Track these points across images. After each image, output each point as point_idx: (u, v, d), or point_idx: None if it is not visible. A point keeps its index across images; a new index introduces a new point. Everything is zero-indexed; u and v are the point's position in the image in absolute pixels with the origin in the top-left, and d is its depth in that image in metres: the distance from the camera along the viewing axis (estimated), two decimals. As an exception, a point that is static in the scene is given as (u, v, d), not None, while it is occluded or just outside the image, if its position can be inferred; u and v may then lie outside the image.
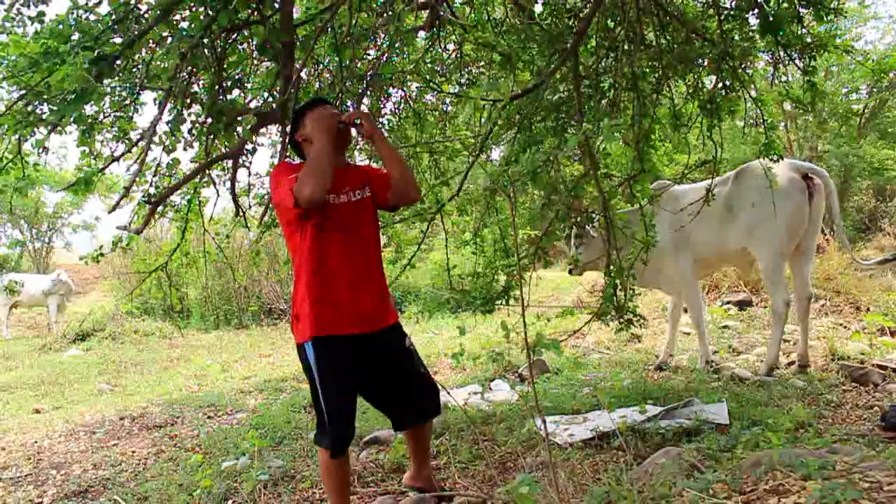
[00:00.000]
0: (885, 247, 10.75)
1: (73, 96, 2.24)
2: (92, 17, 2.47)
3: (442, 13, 3.69)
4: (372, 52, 4.14)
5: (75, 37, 2.32)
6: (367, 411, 4.58)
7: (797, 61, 3.40)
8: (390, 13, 3.17)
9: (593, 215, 3.54)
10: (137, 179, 2.96)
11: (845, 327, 5.58)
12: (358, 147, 4.52)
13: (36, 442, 4.53)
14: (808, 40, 3.32)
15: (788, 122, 12.23)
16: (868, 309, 5.98)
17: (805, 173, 4.32)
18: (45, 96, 2.37)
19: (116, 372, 7.57)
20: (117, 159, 3.04)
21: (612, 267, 3.18)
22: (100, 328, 10.30)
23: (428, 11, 3.74)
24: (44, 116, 2.46)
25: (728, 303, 7.04)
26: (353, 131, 2.60)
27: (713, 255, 4.77)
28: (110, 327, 10.24)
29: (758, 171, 4.35)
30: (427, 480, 2.76)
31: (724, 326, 6.25)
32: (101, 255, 3.67)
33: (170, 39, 2.60)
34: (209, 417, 5.02)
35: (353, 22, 3.37)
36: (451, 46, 4.53)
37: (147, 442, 4.40)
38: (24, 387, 6.87)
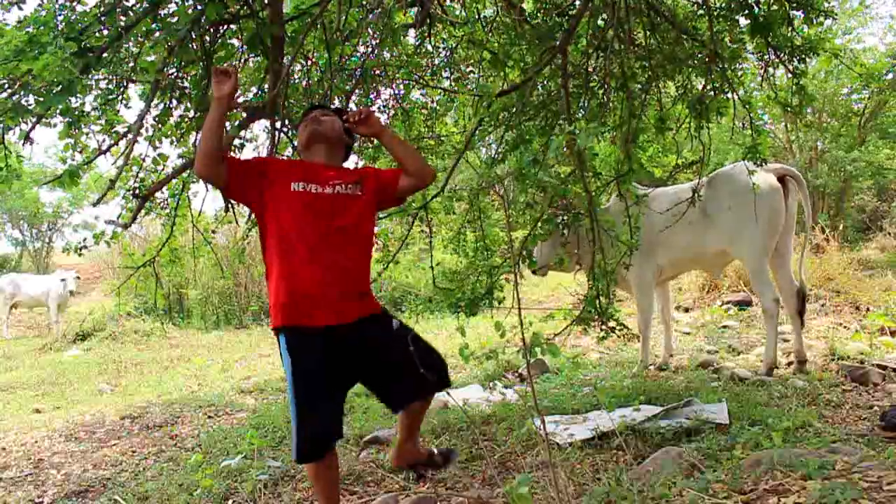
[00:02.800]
0: (886, 247, 10.75)
1: (58, 87, 2.21)
2: (78, 8, 2.45)
3: (432, 10, 3.69)
4: (361, 48, 4.14)
5: (61, 27, 2.29)
6: (367, 411, 4.58)
7: (787, 63, 3.42)
8: (379, 10, 3.16)
9: (579, 215, 3.53)
10: (124, 174, 2.96)
11: (845, 327, 5.58)
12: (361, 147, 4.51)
13: (36, 442, 4.53)
14: (798, 43, 3.33)
15: (788, 124, 12.22)
16: (868, 309, 5.98)
17: (780, 175, 4.42)
18: (31, 87, 2.33)
19: (116, 372, 7.57)
20: (104, 152, 3.02)
21: (596, 270, 3.16)
22: (100, 328, 10.30)
23: (418, 8, 3.74)
24: (29, 107, 2.43)
25: (728, 303, 7.05)
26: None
27: (687, 257, 4.83)
28: (110, 327, 10.24)
29: (731, 174, 4.48)
30: (411, 454, 2.60)
31: (724, 326, 6.26)
32: (85, 247, 3.64)
33: (157, 33, 2.57)
34: (209, 417, 5.02)
35: (343, 18, 3.37)
36: (441, 44, 4.54)
37: (147, 442, 4.40)
38: (24, 387, 6.87)
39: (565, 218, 3.66)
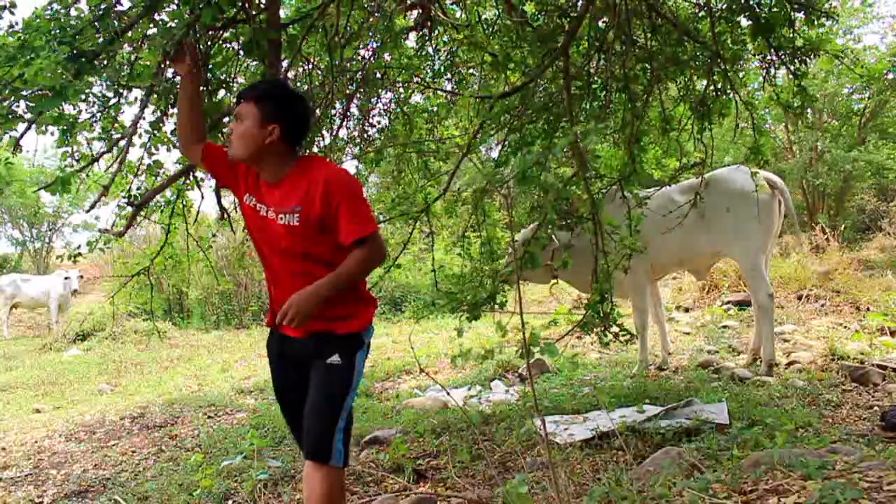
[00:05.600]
0: (886, 247, 10.75)
1: (50, 92, 2.18)
2: (72, 13, 2.43)
3: (433, 13, 3.69)
4: (363, 52, 4.15)
5: (55, 32, 2.27)
6: (367, 411, 4.58)
7: (788, 65, 3.42)
8: (380, 13, 3.16)
9: (583, 218, 3.52)
10: (118, 179, 2.94)
11: (845, 327, 5.58)
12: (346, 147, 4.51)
13: (36, 442, 4.53)
14: (799, 44, 3.34)
15: (789, 124, 12.21)
16: (868, 309, 5.98)
17: (768, 182, 4.52)
18: (23, 92, 2.29)
19: (116, 372, 7.57)
20: (97, 159, 3.00)
21: (599, 273, 3.13)
22: (100, 328, 10.29)
23: (418, 11, 3.73)
24: (21, 113, 2.39)
25: (728, 303, 7.05)
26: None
27: (677, 258, 4.86)
28: (110, 327, 10.23)
29: (728, 176, 4.57)
30: None
31: (724, 326, 6.25)
32: (79, 254, 3.66)
33: (153, 36, 2.55)
34: (209, 417, 5.02)
35: (345, 22, 3.36)
36: (442, 47, 4.54)
37: (147, 442, 4.40)
38: (24, 387, 6.87)
39: (568, 223, 3.66)
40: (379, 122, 4.71)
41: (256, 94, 2.06)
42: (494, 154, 5.52)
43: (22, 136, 2.53)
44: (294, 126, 2.08)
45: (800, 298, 6.65)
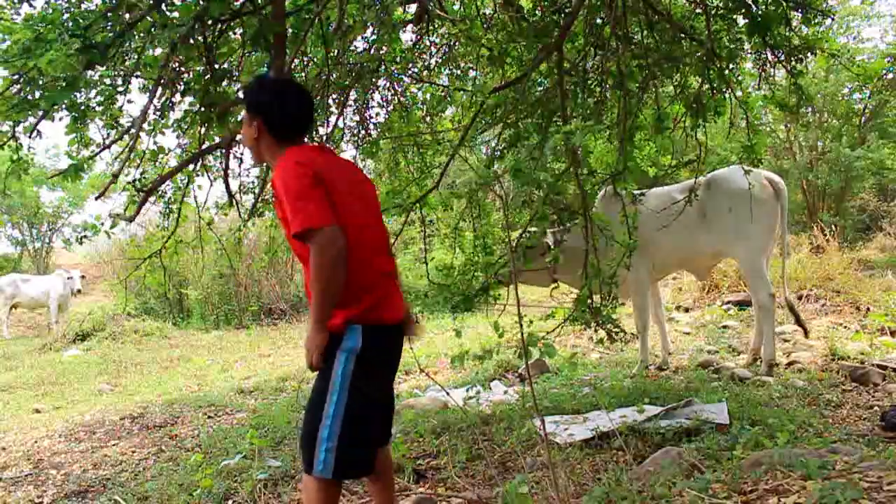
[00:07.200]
0: (886, 247, 10.75)
1: (63, 84, 2.23)
2: (84, 6, 2.48)
3: (430, 8, 3.69)
4: (360, 45, 4.16)
5: (67, 24, 2.32)
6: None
7: (784, 63, 3.42)
8: (378, 6, 3.16)
9: (574, 214, 3.52)
10: (126, 167, 2.99)
11: (845, 327, 5.58)
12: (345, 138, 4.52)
13: (36, 442, 4.53)
14: (796, 43, 3.34)
15: (789, 124, 12.21)
16: (868, 309, 5.98)
17: (770, 181, 4.53)
18: (38, 83, 2.33)
19: (116, 372, 7.57)
20: (107, 147, 3.05)
21: (588, 269, 3.12)
22: (100, 328, 10.29)
23: (416, 5, 3.74)
24: (36, 103, 2.44)
25: (728, 303, 7.05)
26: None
27: (678, 258, 4.86)
28: (110, 327, 10.22)
29: (730, 177, 4.58)
30: None
31: (724, 326, 6.25)
32: (86, 236, 3.68)
33: (161, 29, 2.58)
34: (209, 417, 5.02)
35: (342, 14, 3.37)
36: (439, 41, 4.55)
37: (147, 442, 4.40)
38: (24, 387, 6.87)
39: (561, 219, 3.65)
40: (377, 115, 4.72)
41: (242, 97, 2.10)
42: (491, 151, 5.53)
43: (38, 122, 2.59)
44: (272, 116, 1.97)
45: (800, 298, 6.65)
